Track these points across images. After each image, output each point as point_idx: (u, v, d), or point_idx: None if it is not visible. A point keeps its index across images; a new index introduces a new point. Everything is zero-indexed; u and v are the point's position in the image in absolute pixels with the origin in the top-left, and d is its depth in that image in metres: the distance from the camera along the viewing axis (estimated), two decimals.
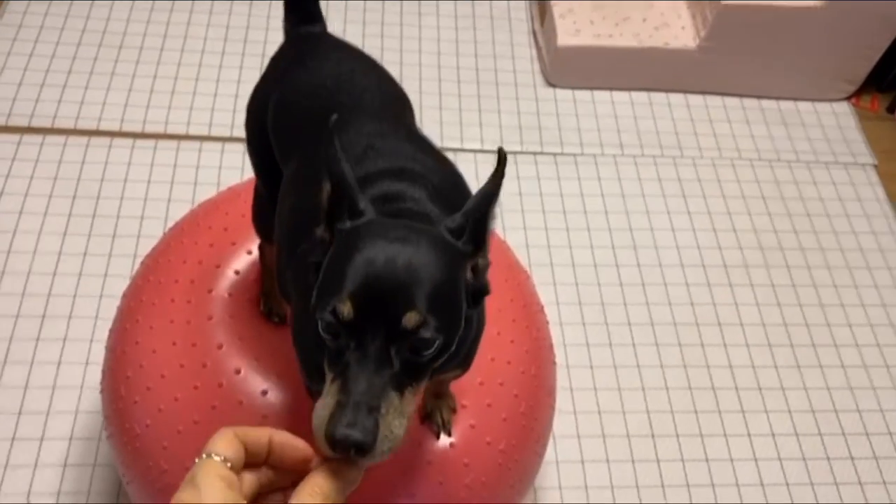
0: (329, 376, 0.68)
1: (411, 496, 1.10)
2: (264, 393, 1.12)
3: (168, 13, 2.25)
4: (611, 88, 2.24)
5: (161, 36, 2.20)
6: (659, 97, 2.25)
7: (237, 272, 1.22)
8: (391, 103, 1.01)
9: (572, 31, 2.15)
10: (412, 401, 0.70)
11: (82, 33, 2.17)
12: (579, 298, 1.83)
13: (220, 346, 1.14)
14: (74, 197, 1.86)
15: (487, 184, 0.71)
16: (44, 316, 1.67)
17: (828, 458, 1.67)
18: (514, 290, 1.30)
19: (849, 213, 2.07)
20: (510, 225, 1.93)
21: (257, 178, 1.13)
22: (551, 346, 1.36)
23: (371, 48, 2.18)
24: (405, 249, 0.67)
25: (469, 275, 0.74)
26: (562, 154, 2.09)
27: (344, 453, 0.63)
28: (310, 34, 1.08)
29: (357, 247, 0.68)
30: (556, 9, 2.19)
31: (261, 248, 1.20)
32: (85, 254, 1.77)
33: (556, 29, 2.15)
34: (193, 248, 1.24)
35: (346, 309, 0.65)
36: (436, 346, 0.68)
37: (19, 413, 1.55)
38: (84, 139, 1.96)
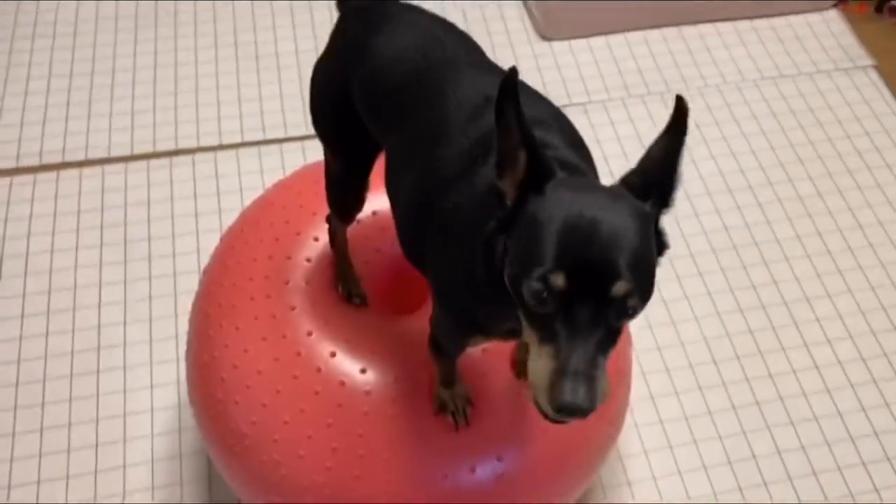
0: (534, 336, 0.72)
1: (522, 443, 1.13)
2: (363, 371, 1.13)
3: (153, 29, 2.23)
4: (605, 33, 2.25)
5: (151, 54, 2.18)
6: (654, 34, 2.26)
7: (308, 260, 1.23)
8: (478, 51, 1.01)
9: None
10: (609, 356, 0.72)
11: (72, 63, 2.15)
12: None
13: (309, 334, 1.15)
14: (102, 227, 1.85)
15: (665, 139, 0.72)
16: (98, 348, 1.67)
17: (885, 354, 1.71)
18: None
19: (858, 115, 2.10)
20: None
21: (336, 157, 1.12)
22: None
23: None
24: (607, 217, 0.69)
25: (654, 222, 0.75)
26: (570, 105, 2.10)
27: (567, 417, 0.69)
28: (365, 4, 1.06)
29: (560, 215, 0.69)
30: None
31: (331, 232, 1.21)
32: (125, 281, 1.76)
33: None
34: (259, 245, 1.24)
35: (559, 280, 0.68)
36: (637, 312, 0.71)
37: (96, 446, 1.54)
38: (98, 168, 1.94)
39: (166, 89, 2.10)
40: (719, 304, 1.77)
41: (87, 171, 1.94)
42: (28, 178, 1.92)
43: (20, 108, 2.04)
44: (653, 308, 1.72)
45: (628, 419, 1.59)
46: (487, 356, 1.17)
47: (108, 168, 1.94)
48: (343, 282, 1.22)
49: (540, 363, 0.71)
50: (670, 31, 2.27)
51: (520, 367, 1.17)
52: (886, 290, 1.80)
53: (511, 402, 1.15)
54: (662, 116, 2.06)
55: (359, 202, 1.14)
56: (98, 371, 1.63)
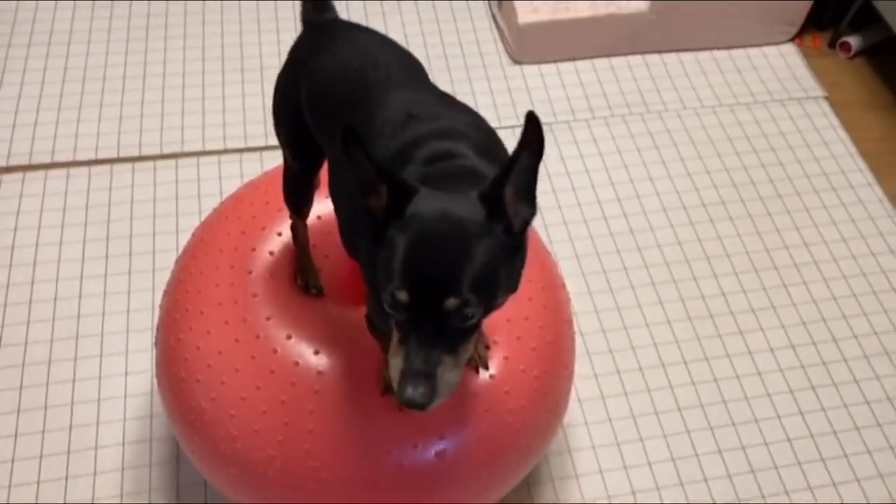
0: (395, 336, 0.85)
1: (464, 424, 1.21)
2: (316, 353, 1.22)
3: (144, 42, 2.34)
4: (573, 59, 2.37)
5: (141, 64, 2.29)
6: (619, 61, 2.39)
7: (271, 253, 1.32)
8: (414, 71, 1.12)
9: (530, 9, 2.28)
10: (467, 351, 0.87)
11: (65, 70, 2.26)
12: (574, 251, 1.96)
13: (268, 318, 1.24)
14: (86, 224, 1.94)
15: (513, 153, 0.80)
16: (77, 336, 1.75)
17: (823, 363, 1.81)
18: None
19: (808, 142, 2.22)
20: None
21: (290, 157, 1.23)
22: (563, 283, 1.48)
23: None
24: (447, 237, 0.80)
25: (503, 236, 0.83)
26: (554, 125, 2.22)
27: (409, 408, 0.83)
28: (325, 21, 1.19)
29: (408, 237, 0.81)
30: None
31: (293, 227, 1.30)
32: (105, 274, 1.85)
33: (515, 9, 2.28)
34: (227, 238, 1.33)
35: (403, 295, 0.80)
36: (478, 315, 0.84)
37: (70, 427, 1.62)
38: (85, 169, 2.04)
39: (154, 97, 2.21)
40: (670, 312, 1.87)
41: (73, 170, 2.03)
42: (17, 175, 2.01)
43: (13, 111, 2.14)
44: (607, 314, 1.84)
45: (579, 417, 1.69)
46: None
47: (95, 169, 2.04)
48: (302, 273, 1.31)
49: (394, 362, 0.84)
50: (635, 59, 2.39)
51: None
52: (827, 304, 1.91)
53: None
54: (623, 136, 2.19)
55: (308, 198, 1.26)
56: (75, 358, 1.72)
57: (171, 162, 2.07)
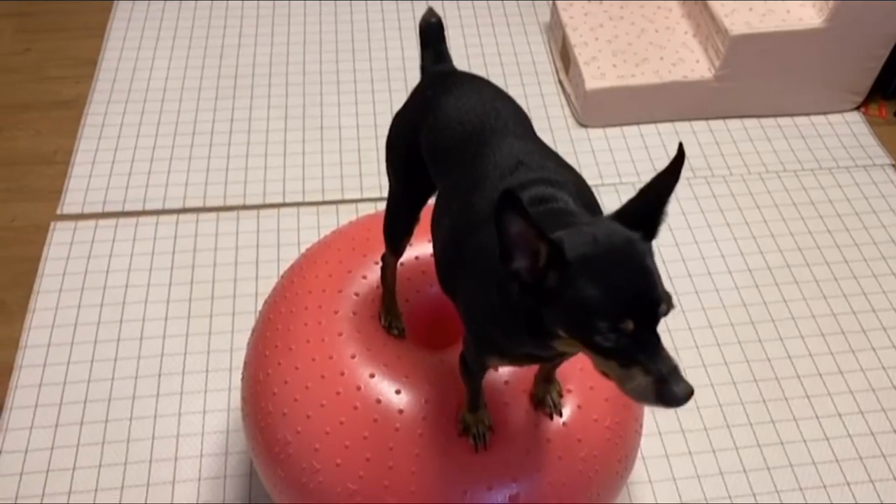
0: (614, 364, 0.87)
1: (537, 469, 1.24)
2: (398, 392, 1.27)
3: (231, 100, 2.50)
4: (638, 123, 2.44)
5: (228, 121, 2.44)
6: (683, 126, 2.45)
7: (357, 294, 1.39)
8: (527, 125, 1.20)
9: (598, 75, 2.37)
10: None
11: (157, 126, 2.42)
12: None
13: (353, 356, 1.30)
14: (172, 268, 2.05)
15: (661, 179, 0.88)
16: (160, 374, 1.84)
17: (893, 430, 1.79)
18: None
19: (875, 209, 2.23)
20: None
21: (400, 189, 1.30)
22: None
23: None
24: (630, 256, 0.86)
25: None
26: (602, 185, 2.28)
27: (681, 404, 0.85)
28: (444, 71, 1.28)
29: (597, 275, 0.85)
30: (581, 57, 2.42)
31: (383, 267, 1.38)
32: (188, 316, 1.95)
33: (582, 75, 2.38)
34: (315, 280, 1.41)
35: (629, 325, 0.84)
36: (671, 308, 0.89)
37: (150, 461, 1.70)
38: (173, 217, 2.17)
39: (239, 152, 2.35)
40: (735, 373, 1.88)
41: (162, 218, 2.16)
42: (111, 221, 2.15)
43: (110, 161, 2.30)
44: None
45: (643, 474, 1.69)
46: (509, 388, 1.31)
47: (182, 217, 2.17)
48: (386, 314, 1.38)
49: (637, 382, 0.86)
50: (699, 124, 2.45)
51: (536, 398, 1.30)
52: None
53: (527, 431, 1.28)
54: (688, 199, 2.24)
55: (408, 233, 1.31)
56: (157, 395, 1.80)
57: (254, 213, 2.19)
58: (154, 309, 1.97)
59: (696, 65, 2.38)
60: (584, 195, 1.06)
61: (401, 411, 1.25)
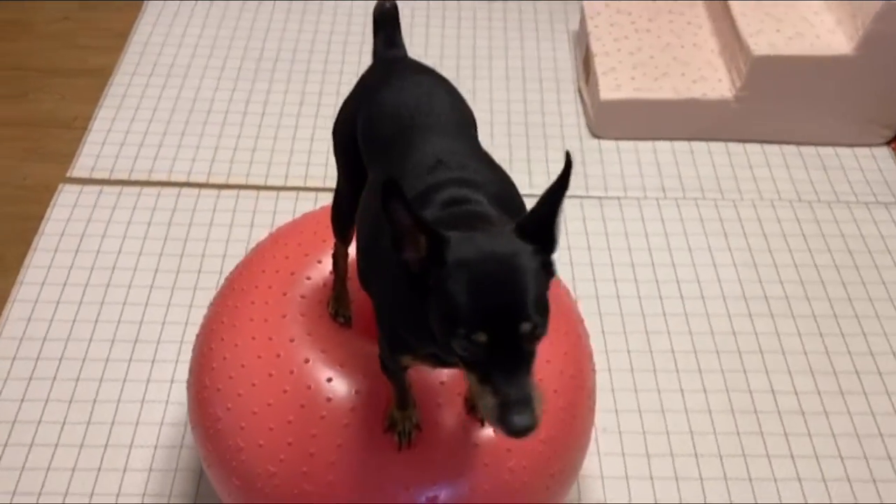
0: (474, 377, 0.86)
1: (459, 474, 1.22)
2: (329, 380, 1.26)
3: (251, 83, 2.54)
4: (653, 139, 2.39)
5: (244, 101, 2.48)
6: (699, 146, 2.38)
7: (308, 278, 1.39)
8: (461, 123, 1.18)
9: (614, 86, 2.32)
10: (533, 368, 0.87)
11: (176, 101, 2.47)
12: (624, 327, 1.94)
13: (291, 340, 1.30)
14: (165, 239, 2.09)
15: (553, 191, 0.85)
16: (136, 340, 1.87)
17: (874, 480, 1.70)
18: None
19: (890, 248, 2.13)
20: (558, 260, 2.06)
21: (342, 179, 1.30)
22: (591, 355, 1.47)
23: None
24: (505, 269, 0.84)
25: (544, 267, 0.88)
26: (606, 197, 2.23)
27: (518, 437, 0.83)
28: (394, 58, 1.27)
29: (465, 281, 0.83)
30: (600, 67, 2.37)
31: (335, 256, 1.37)
32: (173, 287, 1.98)
33: (598, 84, 2.33)
34: (272, 260, 1.42)
35: (481, 337, 0.83)
36: (543, 335, 0.87)
37: (112, 423, 1.73)
38: (175, 190, 2.21)
39: (249, 132, 2.38)
40: (713, 402, 1.81)
41: (165, 190, 2.20)
42: (115, 189, 2.20)
43: (124, 131, 2.36)
44: (646, 394, 1.81)
45: (599, 494, 1.65)
46: (444, 389, 1.29)
47: (184, 191, 2.21)
48: (334, 301, 1.37)
49: (487, 400, 0.85)
50: (716, 145, 2.38)
51: (470, 403, 1.28)
52: (888, 419, 1.80)
53: (455, 435, 1.26)
54: (693, 220, 2.17)
55: (352, 220, 1.28)
56: (130, 360, 1.84)
57: (253, 193, 2.21)
58: (141, 276, 2.00)
59: (717, 84, 2.31)
60: (505, 197, 1.04)
61: (329, 399, 1.25)
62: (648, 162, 2.34)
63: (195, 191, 2.21)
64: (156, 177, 2.24)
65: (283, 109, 2.46)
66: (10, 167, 2.26)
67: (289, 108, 2.47)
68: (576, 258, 2.08)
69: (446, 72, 2.54)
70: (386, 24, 1.29)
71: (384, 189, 0.82)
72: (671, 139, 2.39)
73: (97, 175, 2.23)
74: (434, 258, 0.85)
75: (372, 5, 1.31)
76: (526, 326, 0.83)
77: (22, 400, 1.76)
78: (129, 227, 2.11)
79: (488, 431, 1.26)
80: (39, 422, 1.72)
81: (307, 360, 1.28)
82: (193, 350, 1.43)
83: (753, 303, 2.01)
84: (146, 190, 2.21)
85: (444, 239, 0.85)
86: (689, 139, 2.39)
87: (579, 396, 1.37)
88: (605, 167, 2.32)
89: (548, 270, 0.89)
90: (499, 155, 2.28)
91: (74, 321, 1.90)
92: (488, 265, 0.84)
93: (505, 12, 2.82)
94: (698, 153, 2.36)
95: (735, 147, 2.38)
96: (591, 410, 1.42)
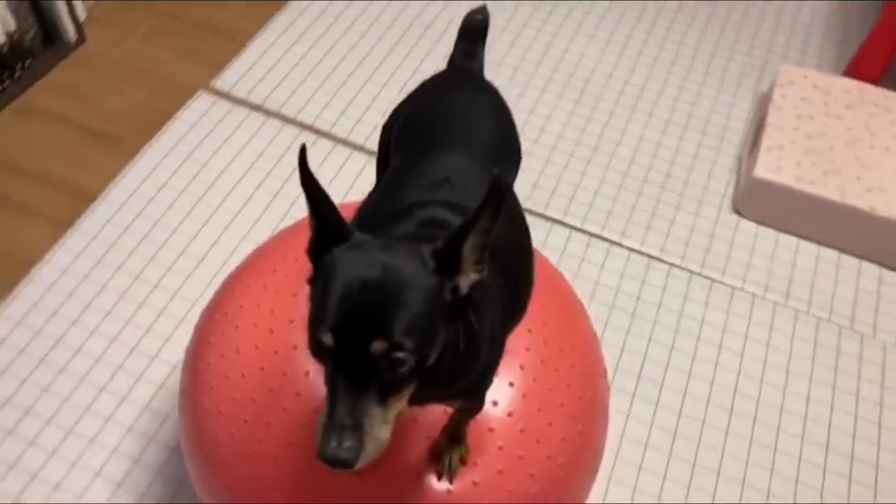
0: (326, 392, 0.78)
1: None
2: (307, 374, 1.21)
3: (427, 50, 2.50)
4: (799, 236, 2.11)
5: (411, 70, 2.45)
6: (849, 261, 2.08)
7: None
8: (497, 151, 1.09)
9: (774, 166, 2.06)
10: (397, 406, 0.78)
11: (337, 43, 2.48)
12: (653, 420, 1.74)
13: (291, 321, 1.26)
14: (269, 174, 2.12)
15: (473, 212, 0.76)
16: (201, 260, 1.92)
17: None
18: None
19: None
20: (631, 329, 1.88)
21: (377, 179, 1.26)
22: (605, 425, 1.34)
23: (577, 119, 2.25)
24: (377, 278, 0.75)
25: (448, 295, 0.79)
26: (719, 281, 2.00)
27: (332, 467, 0.74)
28: (466, 69, 1.22)
29: (336, 277, 0.76)
30: (767, 141, 2.12)
31: None
32: (255, 221, 2.01)
33: (758, 158, 2.09)
34: (283, 261, 1.37)
35: (328, 339, 0.74)
36: (408, 365, 0.75)
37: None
38: (296, 129, 2.22)
39: (388, 96, 2.34)
40: None
41: (288, 127, 2.23)
42: (244, 110, 2.25)
43: (277, 58, 2.40)
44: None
45: None
46: (418, 427, 1.20)
47: (304, 134, 2.22)
48: None
49: (320, 417, 0.76)
50: (869, 267, 2.07)
51: (435, 450, 1.18)
52: None
53: (407, 478, 1.16)
54: (805, 340, 1.90)
55: None
56: (177, 291, 1.89)
57: (365, 157, 2.19)
58: (232, 201, 2.04)
59: (894, 201, 1.99)
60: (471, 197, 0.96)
61: (297, 394, 1.20)
62: (783, 259, 2.07)
63: (313, 136, 2.22)
64: (285, 111, 2.27)
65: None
66: (166, 60, 2.37)
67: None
68: (657, 334, 1.88)
69: (609, 94, 2.40)
70: (470, 35, 1.23)
71: (300, 155, 0.76)
72: (820, 243, 2.10)
73: (234, 93, 2.30)
74: (322, 244, 0.78)
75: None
76: (379, 345, 0.73)
77: (69, 297, 1.86)
78: (242, 152, 2.16)
79: (441, 489, 1.16)
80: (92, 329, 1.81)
81: (295, 347, 1.23)
82: (196, 328, 1.42)
83: (834, 457, 1.73)
84: (270, 121, 2.24)
85: (342, 230, 0.78)
86: (841, 250, 2.09)
87: (567, 484, 1.24)
88: (733, 248, 2.08)
89: (455, 303, 0.79)
90: (623, 198, 2.13)
91: (158, 222, 1.98)
92: (368, 269, 0.75)
93: (696, 51, 2.59)
94: (845, 269, 2.06)
95: (891, 277, 2.06)
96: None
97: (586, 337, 1.40)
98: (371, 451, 0.75)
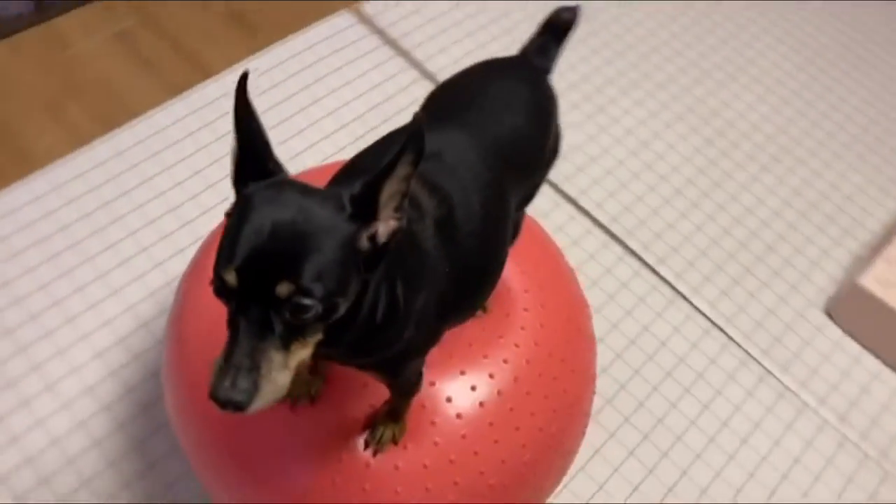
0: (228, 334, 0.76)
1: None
2: None
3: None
4: (885, 362, 1.89)
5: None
6: None
7: None
8: (508, 147, 1.03)
9: (885, 279, 1.85)
10: (300, 353, 0.76)
11: None
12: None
13: None
14: (373, 108, 2.12)
15: (391, 157, 0.73)
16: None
17: None
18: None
19: None
20: (660, 387, 1.76)
21: None
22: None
23: (701, 158, 2.09)
24: (288, 219, 0.72)
25: (365, 242, 0.76)
26: (776, 377, 1.83)
27: (222, 409, 0.71)
28: (530, 63, 1.16)
29: (248, 214, 0.73)
30: (890, 251, 1.90)
31: None
32: (335, 155, 2.02)
33: (872, 266, 1.88)
34: None
35: (231, 277, 0.72)
36: (314, 311, 0.73)
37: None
38: (414, 73, 2.21)
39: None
40: None
41: (409, 70, 2.21)
42: (376, 40, 2.26)
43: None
44: None
45: None
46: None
47: (419, 82, 2.20)
48: None
49: (216, 358, 0.74)
50: None
51: (373, 421, 1.16)
52: None
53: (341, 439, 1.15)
54: (844, 473, 1.70)
55: None
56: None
57: None
58: (329, 122, 2.06)
59: None
60: (451, 227, 0.93)
61: None
62: (857, 380, 1.86)
63: (431, 85, 2.20)
64: (416, 53, 2.25)
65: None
66: None
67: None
68: (684, 403, 1.75)
69: (745, 145, 2.22)
70: (551, 32, 1.17)
71: (240, 79, 0.75)
72: None
73: (376, 21, 2.30)
74: (244, 177, 0.77)
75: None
76: (284, 289, 0.70)
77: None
78: (358, 79, 2.17)
79: (363, 459, 1.14)
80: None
81: None
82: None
83: None
84: (396, 59, 2.23)
85: (265, 165, 0.77)
86: None
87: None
88: (806, 349, 1.89)
89: (372, 252, 0.76)
90: (712, 254, 1.98)
91: (263, 113, 2.00)
92: (281, 209, 0.72)
93: (863, 131, 2.35)
94: None
95: None
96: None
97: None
98: (267, 395, 0.73)
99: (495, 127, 1.03)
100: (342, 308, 0.76)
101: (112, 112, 1.99)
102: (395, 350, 0.91)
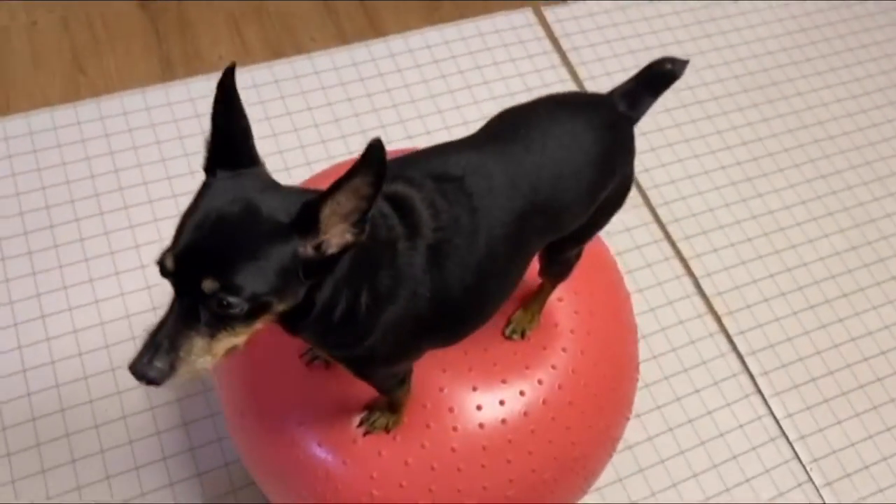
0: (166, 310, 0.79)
1: None
2: None
3: None
4: None
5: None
6: None
7: None
8: (547, 190, 0.99)
9: None
10: (228, 341, 0.79)
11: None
12: None
13: None
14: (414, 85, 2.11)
15: (347, 173, 0.73)
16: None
17: None
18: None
19: None
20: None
21: None
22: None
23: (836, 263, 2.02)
24: (233, 216, 0.75)
25: (309, 250, 0.77)
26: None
27: (138, 379, 0.76)
28: (616, 109, 1.08)
29: (200, 204, 0.76)
30: None
31: None
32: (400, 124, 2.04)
33: None
34: None
35: (169, 262, 0.76)
36: (238, 308, 0.75)
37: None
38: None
39: None
40: None
41: (568, 81, 2.19)
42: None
43: None
44: None
45: None
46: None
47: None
48: None
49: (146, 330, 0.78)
50: None
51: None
52: None
53: None
54: None
55: None
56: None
57: None
58: (470, 110, 2.08)
59: None
60: (441, 251, 0.91)
61: None
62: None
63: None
64: (579, 68, 2.21)
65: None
66: None
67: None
68: (705, 478, 1.65)
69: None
70: (647, 82, 1.08)
71: (226, 70, 0.77)
72: None
73: (554, 27, 2.28)
74: (215, 163, 0.79)
75: None
76: (209, 285, 0.73)
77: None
78: (513, 79, 2.16)
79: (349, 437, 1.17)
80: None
81: None
82: None
83: None
84: (559, 70, 2.20)
85: (237, 154, 0.79)
86: None
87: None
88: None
89: (318, 259, 0.77)
90: (811, 365, 1.84)
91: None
92: (230, 204, 0.75)
93: None
94: None
95: None
96: None
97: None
98: (183, 375, 0.77)
99: (536, 167, 0.98)
100: (277, 307, 0.78)
101: (280, 42, 2.11)
102: (358, 352, 0.92)
